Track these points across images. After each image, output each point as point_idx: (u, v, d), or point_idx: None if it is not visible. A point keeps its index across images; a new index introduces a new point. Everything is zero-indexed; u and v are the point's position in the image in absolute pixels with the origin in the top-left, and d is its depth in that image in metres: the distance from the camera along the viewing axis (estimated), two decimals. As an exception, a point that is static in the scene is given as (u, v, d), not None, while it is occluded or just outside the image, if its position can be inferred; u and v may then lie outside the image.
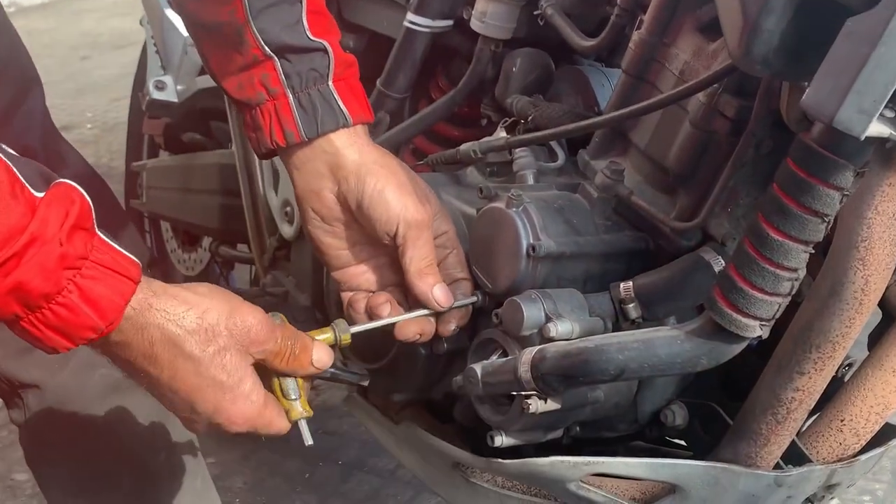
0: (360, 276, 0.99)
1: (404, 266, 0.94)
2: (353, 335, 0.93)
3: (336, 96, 0.93)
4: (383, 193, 0.92)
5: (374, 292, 0.99)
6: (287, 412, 0.85)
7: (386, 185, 0.93)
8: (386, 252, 0.97)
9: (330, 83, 0.93)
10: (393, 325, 0.96)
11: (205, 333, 0.76)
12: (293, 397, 0.86)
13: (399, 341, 0.97)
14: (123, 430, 1.05)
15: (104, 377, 1.05)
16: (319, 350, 0.85)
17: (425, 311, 0.96)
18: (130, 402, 1.05)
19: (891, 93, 0.65)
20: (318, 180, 0.94)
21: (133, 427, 1.05)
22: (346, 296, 0.99)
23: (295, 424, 0.86)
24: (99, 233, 0.71)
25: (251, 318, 0.79)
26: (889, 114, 0.68)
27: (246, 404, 0.79)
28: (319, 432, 2.01)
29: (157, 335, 0.74)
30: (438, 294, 0.95)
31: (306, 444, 0.88)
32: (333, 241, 0.97)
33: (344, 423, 2.01)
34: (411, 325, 0.96)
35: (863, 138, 0.66)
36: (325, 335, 0.91)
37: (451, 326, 0.99)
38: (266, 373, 0.84)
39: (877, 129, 0.66)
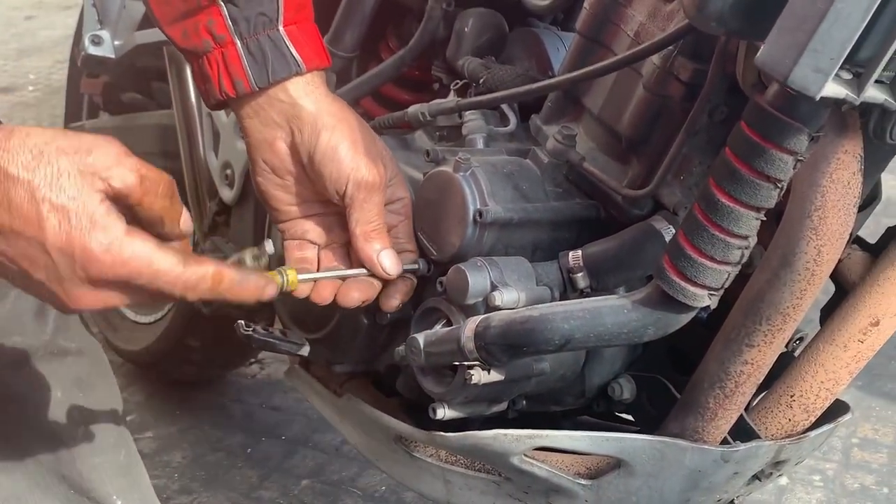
0: (306, 231, 0.95)
1: (350, 228, 0.91)
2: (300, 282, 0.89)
3: (287, 42, 0.88)
4: (336, 150, 0.88)
5: (319, 247, 0.95)
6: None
7: (340, 141, 0.88)
8: (333, 209, 0.94)
9: (280, 28, 0.88)
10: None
11: (36, 155, 0.67)
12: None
13: (340, 308, 0.93)
14: (36, 402, 1.00)
15: (16, 346, 1.00)
16: (186, 214, 0.74)
17: (367, 272, 0.93)
18: (45, 371, 1.00)
19: (847, 51, 0.62)
20: (272, 129, 0.89)
21: (47, 399, 1.00)
22: (290, 244, 0.95)
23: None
24: None
25: (92, 138, 0.69)
26: (846, 75, 0.65)
27: (102, 234, 0.67)
28: (264, 407, 1.98)
29: None
30: (385, 260, 0.91)
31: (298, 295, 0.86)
32: (282, 195, 0.93)
33: (289, 398, 1.97)
34: (353, 291, 0.92)
35: (818, 98, 0.63)
36: (273, 278, 0.86)
37: (394, 301, 0.95)
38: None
39: (833, 89, 0.64)
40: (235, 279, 0.74)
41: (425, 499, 1.08)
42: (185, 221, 0.74)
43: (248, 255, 0.87)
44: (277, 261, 0.96)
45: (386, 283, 0.94)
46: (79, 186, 0.67)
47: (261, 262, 0.88)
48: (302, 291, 0.92)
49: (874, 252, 0.91)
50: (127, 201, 0.70)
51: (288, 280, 0.87)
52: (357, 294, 0.92)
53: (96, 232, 0.68)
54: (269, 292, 0.78)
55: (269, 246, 0.86)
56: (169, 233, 0.73)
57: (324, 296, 0.92)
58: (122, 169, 0.69)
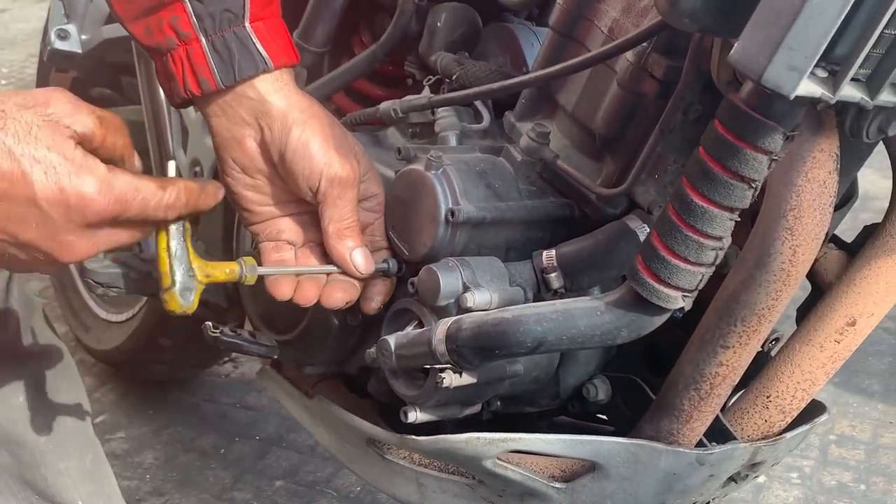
0: (282, 231, 0.93)
1: (323, 226, 0.89)
2: (260, 278, 0.88)
3: (254, 38, 0.86)
4: (308, 146, 0.86)
5: (296, 247, 0.93)
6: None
7: (312, 136, 0.86)
8: (307, 208, 0.92)
9: (247, 24, 0.85)
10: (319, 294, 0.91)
11: (0, 115, 0.69)
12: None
13: (311, 309, 0.91)
14: None
15: None
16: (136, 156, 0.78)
17: (339, 270, 0.91)
18: (7, 374, 0.98)
19: (823, 49, 0.61)
20: (241, 127, 0.87)
21: (9, 402, 0.98)
22: (266, 246, 0.93)
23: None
24: None
25: (42, 90, 0.71)
26: (821, 73, 0.64)
27: (91, 177, 0.70)
28: (237, 406, 1.95)
29: None
30: (358, 259, 0.90)
31: None
32: (253, 195, 0.91)
33: (263, 398, 1.95)
34: (336, 292, 0.91)
35: (792, 97, 0.61)
36: (231, 269, 0.85)
37: (373, 303, 0.94)
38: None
39: (808, 88, 0.62)
40: (195, 188, 0.79)
41: (399, 502, 1.07)
42: (137, 159, 0.78)
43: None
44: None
45: (365, 284, 0.93)
46: (51, 136, 0.70)
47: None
48: (285, 293, 0.90)
49: (851, 251, 0.90)
50: (90, 144, 0.72)
51: (246, 273, 0.85)
52: (341, 295, 0.91)
53: (85, 175, 0.70)
54: (222, 194, 0.83)
55: (171, 168, 0.85)
56: (129, 170, 0.76)
57: (308, 297, 0.90)
58: (81, 114, 0.71)
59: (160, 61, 0.88)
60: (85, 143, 0.72)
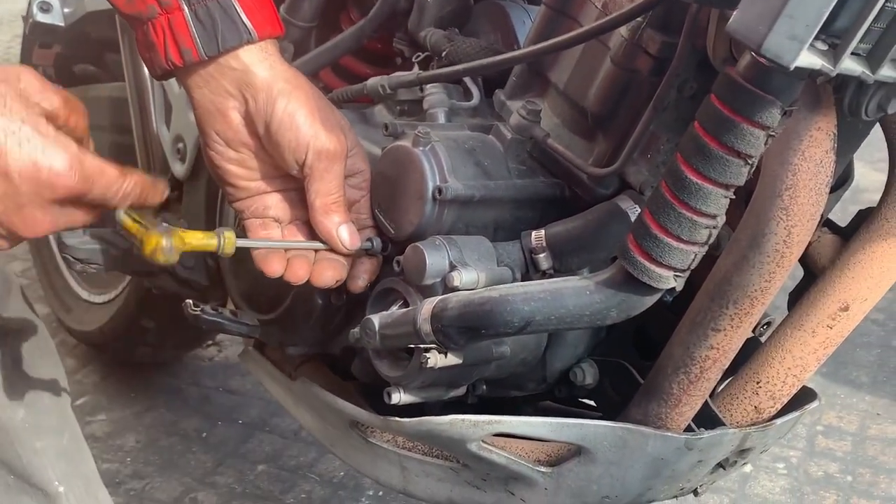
0: (268, 207, 0.91)
1: (309, 200, 0.87)
2: (239, 251, 0.86)
3: (238, 8, 0.83)
4: (294, 117, 0.84)
5: (282, 224, 0.91)
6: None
7: (298, 108, 0.84)
8: (294, 184, 0.90)
9: None
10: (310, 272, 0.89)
11: None
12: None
13: (294, 288, 0.89)
14: None
15: None
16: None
17: (324, 246, 0.89)
18: None
19: (824, 18, 0.59)
20: (224, 99, 0.85)
21: None
22: (252, 223, 0.91)
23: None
24: None
25: (9, 67, 0.72)
26: (821, 46, 0.62)
27: (63, 152, 0.71)
28: (220, 390, 1.93)
29: None
30: (344, 234, 0.88)
31: None
32: (237, 170, 0.89)
33: (247, 382, 1.92)
34: (327, 270, 0.89)
35: (792, 68, 0.59)
36: (209, 240, 0.83)
37: (360, 282, 0.92)
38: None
39: (807, 59, 0.60)
40: (150, 183, 0.80)
41: (381, 486, 1.05)
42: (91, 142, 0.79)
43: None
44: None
45: (352, 262, 0.91)
46: (24, 110, 0.70)
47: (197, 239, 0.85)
48: (275, 269, 0.88)
49: (845, 235, 0.89)
50: (56, 122, 0.73)
51: (225, 243, 0.83)
52: (331, 273, 0.89)
53: (57, 151, 0.71)
54: (167, 193, 0.83)
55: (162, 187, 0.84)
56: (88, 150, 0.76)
57: (299, 274, 0.89)
58: (48, 92, 0.72)
59: (141, 31, 0.85)
60: (51, 120, 0.72)
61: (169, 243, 0.80)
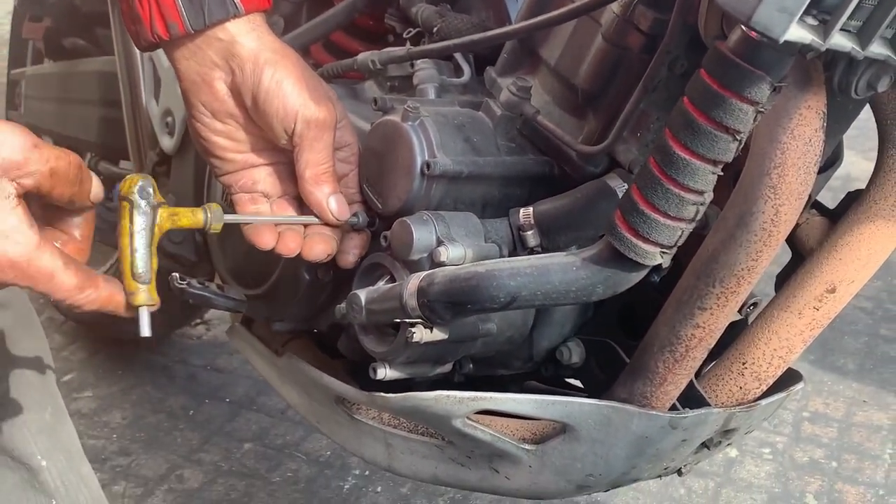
0: (256, 182, 0.90)
1: (299, 171, 0.86)
2: (226, 226, 0.84)
3: None
4: (282, 85, 0.83)
5: (271, 199, 0.91)
6: (131, 296, 0.76)
7: (285, 77, 0.84)
8: (282, 158, 0.89)
9: None
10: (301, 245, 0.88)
11: None
12: (143, 277, 0.75)
13: (287, 264, 0.89)
14: None
15: None
16: (96, 184, 0.74)
17: (314, 220, 0.89)
18: None
19: (815, -8, 0.58)
20: (210, 69, 0.84)
21: None
22: (241, 198, 0.90)
23: (135, 309, 0.77)
24: None
25: (3, 129, 0.67)
26: (811, 21, 0.62)
27: (13, 247, 0.67)
28: (208, 369, 1.93)
29: None
30: (333, 205, 0.87)
31: (143, 334, 0.78)
32: (224, 142, 0.88)
33: (234, 360, 1.92)
34: (318, 244, 0.88)
35: (782, 42, 0.59)
36: (196, 216, 0.81)
37: (350, 257, 0.91)
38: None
39: (797, 33, 0.60)
40: (119, 302, 0.76)
41: (367, 462, 1.05)
42: (95, 192, 0.74)
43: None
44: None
45: (341, 237, 0.90)
46: None
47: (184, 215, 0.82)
48: (267, 242, 0.88)
49: (833, 217, 0.88)
50: (38, 194, 0.69)
51: (212, 218, 0.82)
52: (322, 247, 0.89)
53: (8, 244, 0.67)
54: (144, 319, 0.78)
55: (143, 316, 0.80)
56: (80, 207, 0.74)
57: (291, 247, 0.88)
58: (32, 166, 0.67)
59: (126, 3, 0.84)
60: (31, 193, 0.69)
61: (150, 294, 0.77)
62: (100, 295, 0.74)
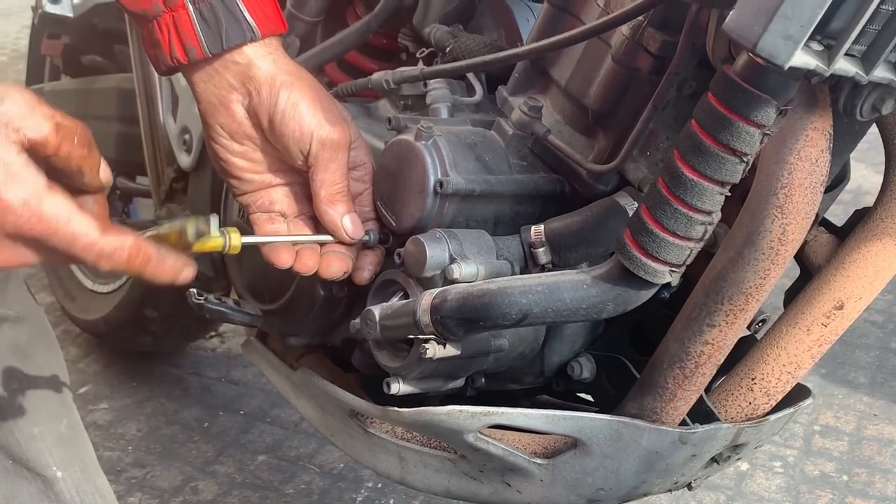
0: (273, 202, 0.92)
1: (314, 190, 0.88)
2: (244, 246, 0.85)
3: (241, 6, 0.85)
4: (297, 107, 0.85)
5: (288, 218, 0.92)
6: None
7: (301, 98, 0.86)
8: (298, 178, 0.91)
9: None
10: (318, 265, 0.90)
11: None
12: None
13: (302, 280, 0.90)
14: None
15: None
16: (104, 166, 0.71)
17: (329, 239, 0.90)
18: None
19: (818, 19, 0.60)
20: (227, 92, 0.86)
21: None
22: (258, 217, 0.92)
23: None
24: None
25: (1, 86, 0.65)
26: (816, 46, 0.63)
27: (21, 187, 0.64)
28: (222, 381, 1.94)
29: None
30: (348, 224, 0.89)
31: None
32: (241, 163, 0.90)
33: (248, 373, 1.94)
34: (334, 262, 0.90)
35: (786, 68, 0.61)
36: (215, 240, 0.82)
37: (365, 273, 0.93)
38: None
39: (802, 59, 0.61)
40: (153, 256, 0.71)
41: (380, 476, 1.06)
42: (105, 172, 0.71)
43: (190, 227, 0.82)
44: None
45: (357, 255, 0.92)
46: None
47: (202, 238, 0.84)
48: (285, 261, 0.89)
49: (840, 235, 0.89)
50: (44, 151, 0.66)
51: (230, 241, 0.83)
52: (338, 265, 0.91)
53: (15, 184, 0.64)
54: (186, 276, 0.74)
55: (213, 222, 0.82)
56: (89, 184, 0.70)
57: (308, 266, 0.90)
58: (37, 117, 0.65)
59: (146, 28, 0.87)
60: (36, 149, 0.66)
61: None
62: (125, 242, 0.69)
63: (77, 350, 2.01)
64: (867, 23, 0.62)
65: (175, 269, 0.73)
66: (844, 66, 0.63)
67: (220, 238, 0.83)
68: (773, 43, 0.59)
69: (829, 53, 0.63)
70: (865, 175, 2.61)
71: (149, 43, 0.87)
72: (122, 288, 1.79)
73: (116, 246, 0.68)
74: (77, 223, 0.66)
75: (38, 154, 0.66)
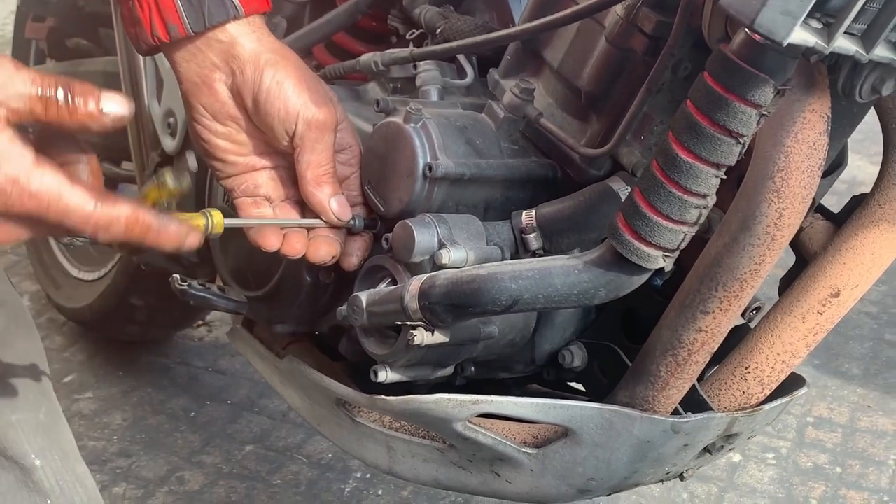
0: (258, 186, 0.90)
1: (300, 172, 0.86)
2: (227, 229, 0.83)
3: None
4: (283, 86, 0.83)
5: (274, 203, 0.90)
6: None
7: (286, 77, 0.83)
8: (283, 161, 0.89)
9: None
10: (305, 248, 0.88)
11: None
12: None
13: (288, 266, 0.88)
14: None
15: None
16: (109, 98, 0.66)
17: (318, 222, 0.88)
18: None
19: (819, -6, 0.58)
20: (210, 71, 0.84)
21: None
22: (243, 202, 0.90)
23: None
24: None
25: None
26: (815, 24, 0.61)
27: (7, 164, 0.62)
28: (209, 370, 1.92)
29: None
30: (336, 206, 0.87)
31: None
32: (225, 144, 0.88)
33: (235, 362, 1.92)
34: (322, 246, 0.88)
35: (785, 44, 0.59)
36: (196, 220, 0.80)
37: (353, 259, 0.91)
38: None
39: (801, 36, 0.60)
40: (153, 224, 0.68)
41: (368, 466, 1.04)
42: (117, 100, 0.66)
43: (167, 175, 0.79)
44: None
45: (345, 239, 0.90)
46: None
47: (182, 184, 0.82)
48: (272, 243, 0.87)
49: (837, 221, 0.88)
50: (32, 116, 0.64)
51: (213, 223, 0.81)
52: (326, 249, 0.88)
53: (2, 162, 0.63)
54: (191, 241, 0.72)
55: (190, 160, 0.79)
56: (107, 114, 0.66)
57: (296, 249, 0.88)
58: (17, 85, 0.63)
59: (126, 6, 0.84)
60: (23, 117, 0.64)
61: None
62: (122, 212, 0.67)
63: (62, 339, 1.99)
64: (868, 0, 0.60)
65: (179, 235, 0.71)
66: (844, 44, 0.61)
67: (203, 219, 0.80)
68: (771, 18, 0.58)
69: (828, 31, 0.61)
70: (861, 166, 2.60)
71: (129, 22, 0.85)
72: (107, 275, 1.76)
73: (113, 217, 0.66)
74: (69, 197, 0.65)
75: (26, 119, 0.64)
